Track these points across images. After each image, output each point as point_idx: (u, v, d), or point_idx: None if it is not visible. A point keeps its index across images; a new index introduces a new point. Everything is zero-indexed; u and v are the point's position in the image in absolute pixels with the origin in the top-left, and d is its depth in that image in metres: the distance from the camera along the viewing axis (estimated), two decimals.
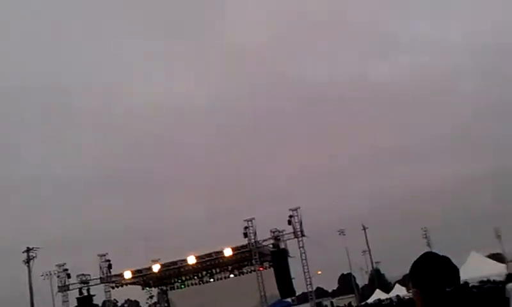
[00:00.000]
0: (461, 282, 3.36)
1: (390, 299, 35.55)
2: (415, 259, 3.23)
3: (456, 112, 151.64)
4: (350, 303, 41.24)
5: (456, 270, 3.13)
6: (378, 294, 54.05)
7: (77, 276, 45.75)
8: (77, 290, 45.67)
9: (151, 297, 58.78)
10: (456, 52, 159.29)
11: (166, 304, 57.47)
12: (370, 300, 47.49)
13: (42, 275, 64.48)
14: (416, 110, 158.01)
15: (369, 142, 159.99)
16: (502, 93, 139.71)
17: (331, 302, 49.45)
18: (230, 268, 49.30)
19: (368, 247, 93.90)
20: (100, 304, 55.43)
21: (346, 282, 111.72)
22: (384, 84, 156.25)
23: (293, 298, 46.15)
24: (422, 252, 3.26)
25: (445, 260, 3.16)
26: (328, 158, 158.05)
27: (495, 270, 38.19)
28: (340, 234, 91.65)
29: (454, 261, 3.22)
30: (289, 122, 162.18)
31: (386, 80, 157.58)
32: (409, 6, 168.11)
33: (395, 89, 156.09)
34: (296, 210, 42.07)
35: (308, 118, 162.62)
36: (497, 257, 68.80)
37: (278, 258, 42.20)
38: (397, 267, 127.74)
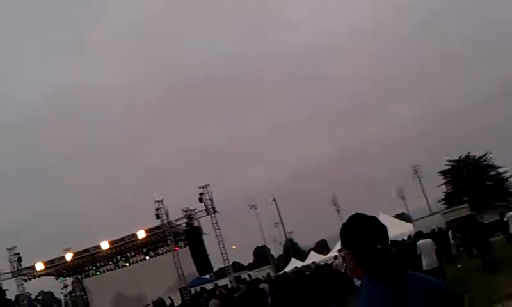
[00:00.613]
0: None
1: (308, 265, 36.30)
2: (344, 221, 3.37)
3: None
4: (269, 274, 41.81)
5: (384, 229, 3.23)
6: (294, 263, 55.25)
7: None
8: None
9: (65, 286, 57.65)
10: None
11: (82, 292, 56.62)
12: (287, 269, 48.29)
13: None
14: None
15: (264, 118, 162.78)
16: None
17: (249, 275, 49.89)
18: (145, 250, 48.89)
19: (280, 218, 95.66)
20: (13, 299, 54.03)
21: (261, 254, 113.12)
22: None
23: (211, 274, 46.40)
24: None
25: (373, 220, 3.27)
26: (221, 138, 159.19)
27: (404, 230, 39.96)
28: (251, 208, 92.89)
29: None
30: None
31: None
32: None
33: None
34: (205, 187, 42.08)
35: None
36: (402, 217, 71.75)
37: (192, 236, 42.23)
38: (309, 235, 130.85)
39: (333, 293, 25.89)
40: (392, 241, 20.27)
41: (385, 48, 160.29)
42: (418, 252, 19.61)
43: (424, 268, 18.90)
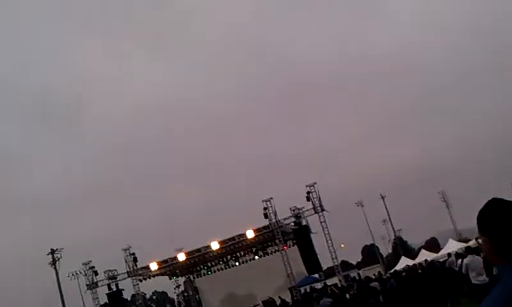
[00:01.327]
0: None
1: (420, 263, 35.42)
2: (482, 207, 3.05)
3: None
4: (379, 272, 41.25)
5: None
6: (404, 261, 54.12)
7: (104, 272, 46.01)
8: (106, 286, 46.05)
9: (178, 286, 59.22)
10: None
11: (194, 292, 58.01)
12: (397, 268, 47.38)
13: (69, 276, 65.17)
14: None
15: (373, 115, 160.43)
16: None
17: (358, 274, 49.50)
18: (254, 250, 49.50)
19: (388, 215, 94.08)
20: (129, 298, 56.02)
21: (370, 253, 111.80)
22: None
23: (320, 273, 46.25)
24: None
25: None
26: (337, 135, 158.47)
27: None
28: (358, 206, 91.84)
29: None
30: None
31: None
32: None
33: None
34: (312, 185, 41.90)
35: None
36: None
37: (300, 235, 42.20)
38: (418, 233, 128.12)
39: (446, 291, 25.16)
40: None
41: None
42: None
43: None
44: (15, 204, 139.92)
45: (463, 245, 48.24)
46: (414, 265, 35.02)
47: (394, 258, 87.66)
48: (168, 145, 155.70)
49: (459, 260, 26.23)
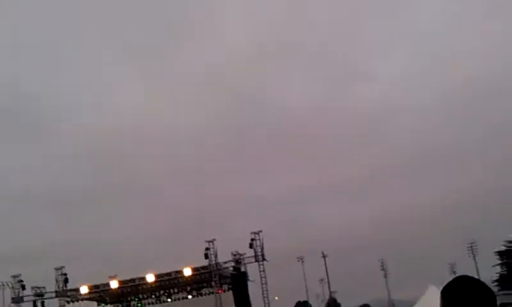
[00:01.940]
0: None
1: None
2: (447, 282, 2.97)
3: None
4: None
5: (493, 297, 2.91)
6: None
7: (32, 288, 44.79)
8: (31, 302, 44.75)
9: None
10: None
11: None
12: None
13: None
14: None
15: (328, 172, 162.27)
16: None
17: None
18: (188, 289, 48.72)
19: (327, 275, 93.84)
20: None
21: None
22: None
23: None
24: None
25: (481, 286, 2.94)
26: (290, 186, 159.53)
27: None
28: (298, 260, 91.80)
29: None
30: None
31: None
32: None
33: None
34: (257, 233, 41.93)
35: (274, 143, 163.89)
36: None
37: (238, 281, 41.94)
38: (353, 296, 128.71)
39: None
40: None
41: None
42: None
43: None
44: None
45: None
46: None
47: None
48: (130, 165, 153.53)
49: None
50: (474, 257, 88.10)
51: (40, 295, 44.77)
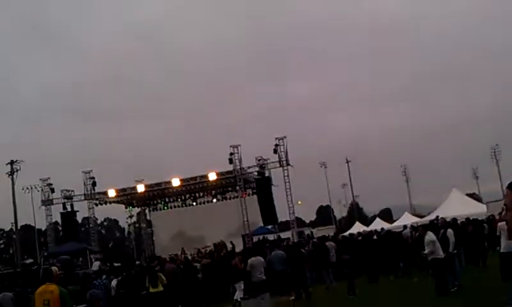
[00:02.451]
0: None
1: (376, 230, 36.07)
2: None
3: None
4: (335, 233, 42.08)
5: None
6: (358, 227, 55.02)
7: (61, 191, 45.84)
8: (61, 204, 45.91)
9: (131, 216, 59.21)
10: None
11: (145, 225, 58.16)
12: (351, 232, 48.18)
13: (23, 189, 64.74)
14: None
15: (354, 80, 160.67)
16: None
17: (311, 232, 50.10)
18: (213, 193, 49.72)
19: (350, 180, 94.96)
20: (80, 221, 55.92)
21: (324, 214, 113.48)
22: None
23: (275, 225, 46.68)
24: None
25: None
26: (315, 91, 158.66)
27: (476, 210, 39.04)
28: (321, 166, 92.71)
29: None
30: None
31: None
32: None
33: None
34: (282, 138, 42.07)
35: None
36: (473, 197, 70.34)
37: (262, 186, 42.48)
38: (374, 202, 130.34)
39: (400, 258, 25.81)
40: (467, 219, 19.73)
41: None
42: (498, 233, 19.16)
43: (502, 250, 18.46)
44: None
45: (417, 219, 49.28)
46: (370, 231, 35.53)
47: (348, 222, 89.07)
48: (152, 77, 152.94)
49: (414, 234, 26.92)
50: (497, 161, 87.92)
51: (69, 197, 45.87)
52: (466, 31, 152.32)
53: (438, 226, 19.99)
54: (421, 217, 53.48)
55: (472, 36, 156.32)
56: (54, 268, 11.21)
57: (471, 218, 28.32)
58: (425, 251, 18.16)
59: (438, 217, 26.94)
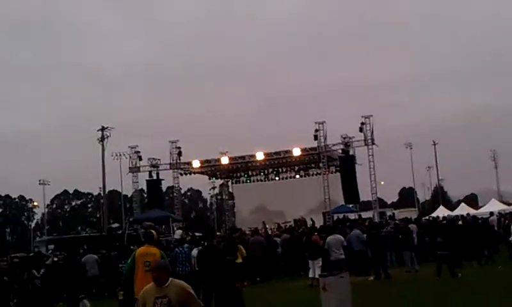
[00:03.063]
0: None
1: (461, 215, 35.19)
2: None
3: None
4: (419, 215, 41.43)
5: None
6: (442, 211, 53.88)
7: (148, 159, 46.89)
8: (147, 172, 47.01)
9: (213, 188, 60.00)
10: None
11: (228, 197, 58.88)
12: (435, 215, 47.22)
13: (112, 156, 66.68)
14: None
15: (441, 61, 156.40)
16: None
17: (393, 213, 49.36)
18: (296, 168, 49.70)
19: (436, 163, 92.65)
20: (165, 190, 57.13)
21: (407, 195, 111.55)
22: None
23: (356, 204, 46.29)
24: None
25: None
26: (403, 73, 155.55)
27: None
28: (406, 147, 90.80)
29: None
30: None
31: None
32: None
33: None
34: (368, 117, 41.50)
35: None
36: None
37: (346, 164, 42.13)
38: (460, 186, 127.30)
39: (485, 245, 25.12)
40: None
41: None
42: None
43: None
44: (80, 72, 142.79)
45: (505, 206, 47.78)
46: (456, 216, 34.69)
47: (431, 206, 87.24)
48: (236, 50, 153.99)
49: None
50: None
51: (155, 166, 46.87)
52: None
53: None
54: (509, 204, 51.82)
55: None
56: (154, 231, 11.64)
57: None
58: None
59: None
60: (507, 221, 21.90)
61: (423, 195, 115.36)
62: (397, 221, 31.50)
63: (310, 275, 21.81)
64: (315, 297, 15.10)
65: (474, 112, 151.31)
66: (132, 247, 19.52)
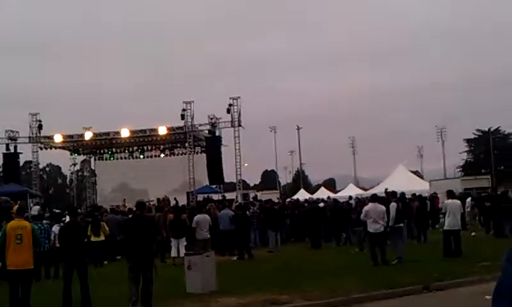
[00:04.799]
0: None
1: (322, 198, 36.41)
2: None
3: None
4: (284, 198, 42.37)
5: None
6: (302, 193, 55.54)
7: (6, 131, 44.58)
8: (4, 145, 44.75)
9: (74, 164, 58.25)
10: None
11: (88, 174, 57.36)
12: (295, 198, 48.58)
13: None
14: None
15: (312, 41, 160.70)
16: None
17: (256, 195, 50.21)
18: (161, 147, 49.25)
19: (299, 147, 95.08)
20: (22, 164, 54.73)
21: (269, 178, 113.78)
22: None
23: (220, 185, 46.60)
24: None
25: None
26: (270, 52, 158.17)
27: (420, 187, 39.83)
28: (271, 131, 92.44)
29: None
30: None
31: None
32: None
33: None
34: (236, 99, 41.68)
35: None
36: (416, 174, 71.90)
37: (212, 144, 42.19)
38: (320, 170, 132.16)
39: (344, 228, 26.30)
40: (413, 195, 20.08)
41: None
42: (444, 211, 19.56)
43: (446, 227, 18.85)
44: None
45: (361, 191, 50.02)
46: (317, 199, 35.83)
47: (292, 189, 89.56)
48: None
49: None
50: (443, 142, 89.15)
51: (13, 138, 44.65)
52: None
53: (385, 199, 20.17)
54: (365, 189, 54.24)
55: None
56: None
57: (417, 194, 28.86)
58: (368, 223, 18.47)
59: (386, 189, 27.28)
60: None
61: (285, 178, 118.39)
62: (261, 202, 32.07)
63: (173, 254, 21.71)
64: (179, 276, 15.04)
65: (338, 98, 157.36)
66: None
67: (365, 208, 19.23)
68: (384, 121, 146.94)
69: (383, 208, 18.48)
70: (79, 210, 28.68)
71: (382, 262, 17.67)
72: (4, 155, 44.98)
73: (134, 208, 32.15)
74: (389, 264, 17.54)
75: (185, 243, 21.59)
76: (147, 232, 12.38)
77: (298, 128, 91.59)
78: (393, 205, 19.09)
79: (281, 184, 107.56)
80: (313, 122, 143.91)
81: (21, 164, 52.34)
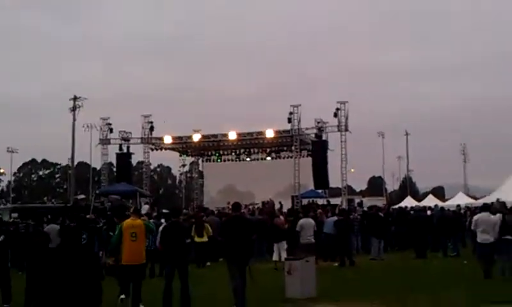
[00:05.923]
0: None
1: (429, 207, 35.30)
2: None
3: None
4: (389, 204, 41.61)
5: None
6: (409, 201, 54.15)
7: (119, 132, 46.26)
8: (118, 145, 46.42)
9: (184, 165, 59.50)
10: None
11: (197, 175, 58.42)
12: (402, 205, 47.46)
13: (83, 127, 65.73)
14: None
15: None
16: None
17: (361, 201, 49.44)
18: (268, 150, 49.49)
19: (407, 153, 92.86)
20: (134, 164, 56.55)
21: (375, 184, 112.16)
22: None
23: (325, 190, 46.25)
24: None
25: None
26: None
27: None
28: (379, 136, 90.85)
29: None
30: None
31: None
32: None
33: None
34: (344, 103, 41.29)
35: None
36: None
37: (318, 149, 41.97)
38: (428, 178, 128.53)
39: (451, 236, 25.41)
40: None
41: None
42: None
43: None
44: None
45: (472, 200, 48.07)
46: (424, 207, 34.73)
47: (399, 196, 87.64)
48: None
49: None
50: None
51: (126, 139, 46.29)
52: None
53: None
54: (475, 199, 52.16)
55: None
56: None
57: None
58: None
59: (498, 199, 26.01)
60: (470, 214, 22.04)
61: (392, 185, 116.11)
62: (365, 209, 31.54)
63: (274, 258, 21.70)
64: (279, 280, 14.95)
65: (448, 105, 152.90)
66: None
67: (475, 217, 18.43)
68: (498, 130, 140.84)
69: (495, 218, 17.60)
70: (184, 211, 29.38)
71: (486, 275, 16.83)
72: (118, 155, 46.70)
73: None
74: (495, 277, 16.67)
75: (285, 247, 21.54)
76: (244, 233, 12.50)
77: (406, 134, 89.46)
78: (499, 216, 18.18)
79: (388, 191, 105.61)
80: (423, 128, 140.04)
81: (134, 164, 54.25)
